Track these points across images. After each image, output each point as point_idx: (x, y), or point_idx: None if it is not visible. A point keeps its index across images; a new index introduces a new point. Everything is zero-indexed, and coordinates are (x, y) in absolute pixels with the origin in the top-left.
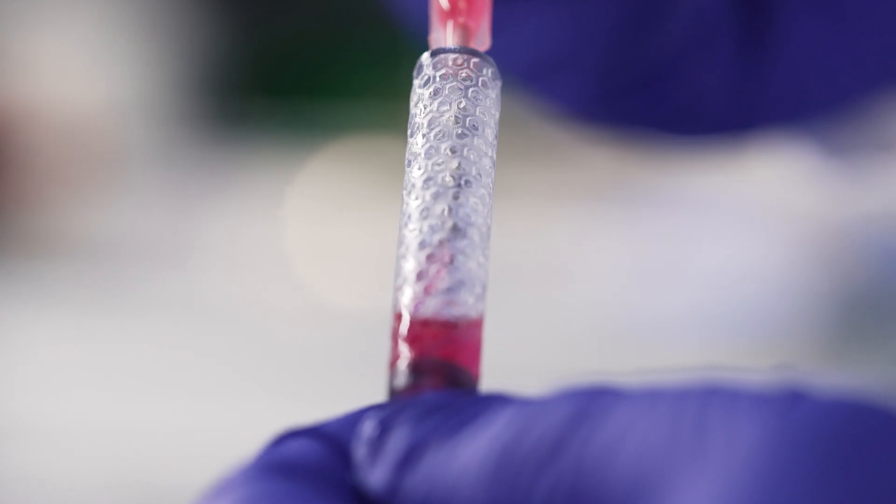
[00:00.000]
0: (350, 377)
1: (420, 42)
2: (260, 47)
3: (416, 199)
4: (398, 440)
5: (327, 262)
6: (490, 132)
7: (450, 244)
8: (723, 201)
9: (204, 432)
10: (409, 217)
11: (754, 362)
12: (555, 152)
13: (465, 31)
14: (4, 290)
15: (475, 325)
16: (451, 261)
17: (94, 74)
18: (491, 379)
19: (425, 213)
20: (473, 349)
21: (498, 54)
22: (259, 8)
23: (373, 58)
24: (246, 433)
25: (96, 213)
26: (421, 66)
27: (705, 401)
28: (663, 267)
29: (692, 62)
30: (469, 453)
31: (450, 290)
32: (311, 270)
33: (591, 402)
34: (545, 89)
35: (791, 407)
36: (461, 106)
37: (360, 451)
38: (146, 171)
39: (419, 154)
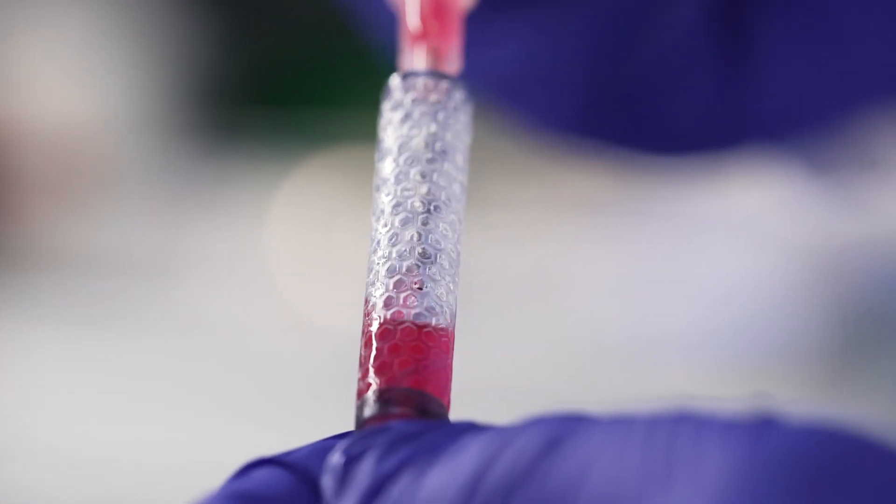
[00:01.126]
0: (336, 394)
1: (390, 64)
2: (248, 58)
3: (385, 225)
4: (366, 471)
5: (313, 276)
6: (460, 157)
7: (419, 270)
8: (718, 216)
9: (187, 449)
10: (378, 243)
11: (747, 380)
12: (546, 165)
13: (436, 54)
14: None
15: (445, 352)
16: (421, 287)
17: (82, 86)
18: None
19: (394, 239)
20: (443, 377)
21: (477, 72)
22: (246, 19)
23: (362, 68)
24: (232, 450)
25: (84, 227)
26: (390, 90)
27: (674, 429)
28: (657, 283)
29: (672, 81)
30: (437, 483)
31: (419, 316)
32: (296, 285)
33: (561, 430)
34: (524, 107)
35: (760, 435)
36: (431, 130)
37: (327, 481)
38: (134, 184)
39: (388, 179)
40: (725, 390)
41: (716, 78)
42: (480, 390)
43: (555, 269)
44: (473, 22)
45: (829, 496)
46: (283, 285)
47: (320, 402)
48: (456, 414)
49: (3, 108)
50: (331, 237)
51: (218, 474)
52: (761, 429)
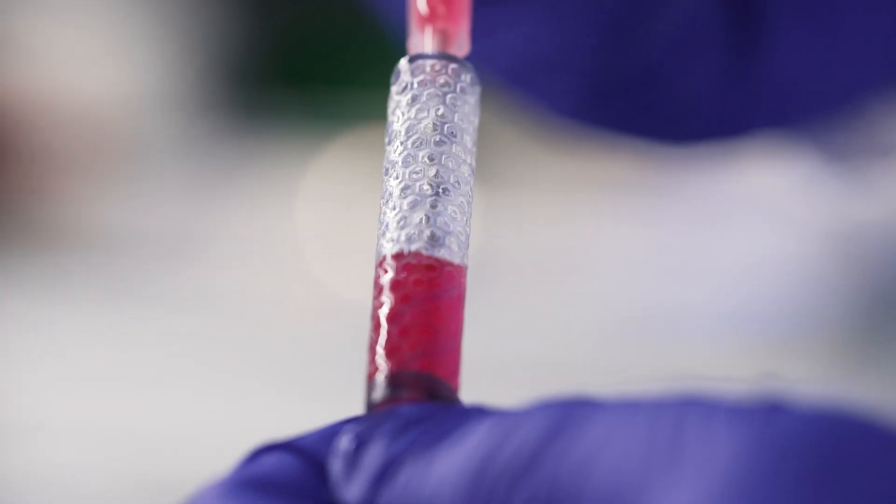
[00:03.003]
0: (364, 372)
1: (400, 46)
2: (278, 36)
3: (394, 208)
4: (374, 455)
5: (342, 254)
6: (469, 139)
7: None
8: (739, 194)
9: (214, 427)
10: (387, 227)
11: (766, 358)
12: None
13: (444, 37)
14: (19, 284)
15: (455, 335)
16: (430, 269)
17: (110, 64)
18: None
19: (402, 222)
20: (453, 360)
21: (485, 58)
22: None
23: (390, 46)
24: (259, 428)
25: (111, 205)
26: (398, 73)
27: (682, 413)
28: (677, 260)
29: (680, 66)
30: (445, 467)
31: (428, 299)
32: (325, 263)
33: (568, 414)
34: (532, 93)
35: (768, 419)
36: (439, 113)
37: (336, 465)
38: (162, 162)
39: (396, 162)
40: (744, 368)
41: (726, 62)
42: (501, 368)
43: (575, 247)
44: (480, 8)
45: (835, 481)
46: (311, 263)
47: (347, 381)
48: (478, 392)
49: (32, 86)
50: (359, 215)
51: (242, 450)
52: (769, 413)
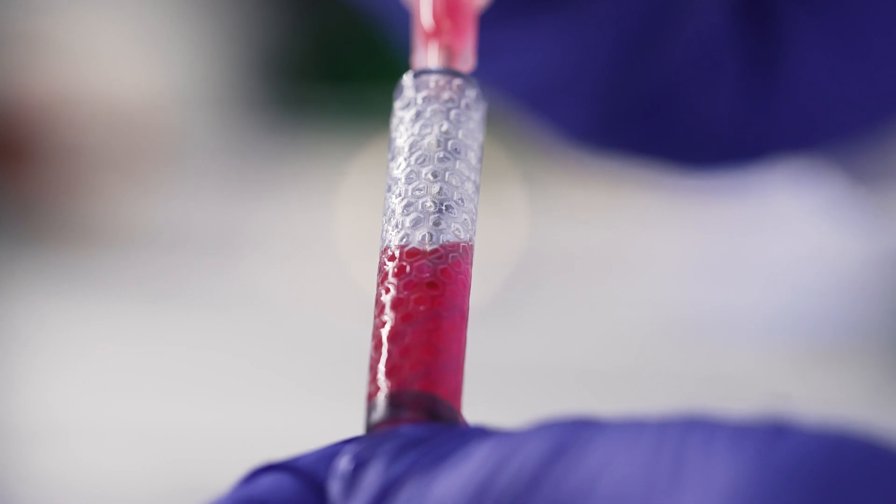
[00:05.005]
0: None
1: (403, 62)
2: (319, 33)
3: (396, 226)
4: (374, 476)
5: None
6: (473, 156)
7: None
8: (785, 197)
9: (251, 426)
10: (389, 244)
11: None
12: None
13: (449, 52)
14: (58, 284)
15: (457, 355)
16: (432, 286)
17: (149, 61)
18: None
19: (405, 240)
20: (454, 380)
21: (498, 81)
22: None
23: None
24: (297, 428)
25: (151, 204)
26: (402, 88)
27: (684, 435)
28: (723, 263)
29: (697, 88)
30: (445, 489)
31: (430, 318)
32: (363, 262)
33: (570, 435)
34: (545, 115)
35: (771, 441)
36: (443, 129)
37: (334, 487)
38: (201, 160)
39: (399, 179)
40: (786, 374)
41: (745, 84)
42: (544, 370)
43: (621, 248)
44: (489, 29)
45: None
46: (350, 263)
47: None
48: (523, 392)
49: (72, 84)
50: None
51: (282, 452)
52: (772, 435)
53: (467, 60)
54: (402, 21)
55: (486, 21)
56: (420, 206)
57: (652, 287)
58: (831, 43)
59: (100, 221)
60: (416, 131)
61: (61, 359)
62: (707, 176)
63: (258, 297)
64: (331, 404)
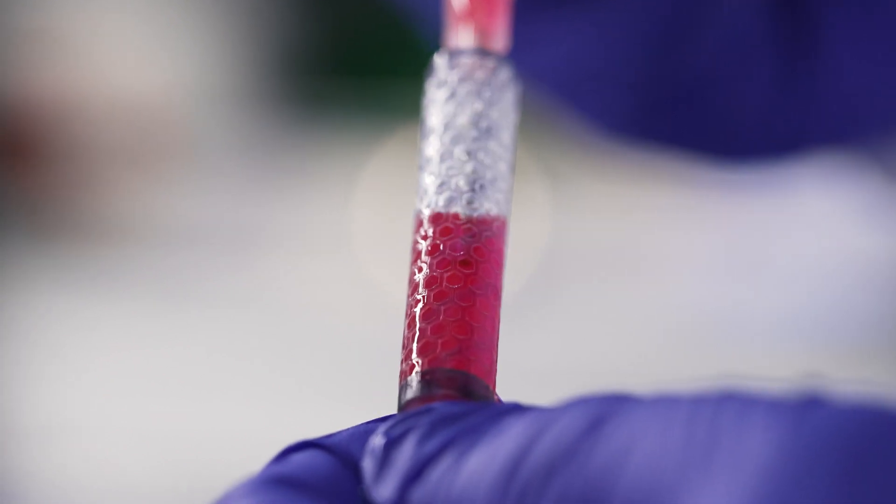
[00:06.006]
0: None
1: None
2: (335, 28)
3: (429, 205)
4: (406, 453)
5: (398, 250)
6: (507, 135)
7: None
8: (813, 195)
9: (267, 424)
10: (422, 223)
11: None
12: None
13: (481, 32)
14: (74, 280)
15: (490, 333)
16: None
17: (164, 58)
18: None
19: (439, 218)
20: (488, 358)
21: (531, 71)
22: None
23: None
24: (312, 426)
25: (166, 200)
26: (435, 68)
27: (718, 408)
28: (749, 261)
29: (731, 79)
30: (477, 465)
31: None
32: (381, 259)
33: (604, 410)
34: (577, 106)
35: (804, 414)
36: (476, 108)
37: (367, 464)
38: (217, 156)
39: (432, 158)
40: (815, 369)
41: (780, 75)
42: (568, 368)
43: (645, 246)
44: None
45: (871, 477)
46: (368, 259)
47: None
48: (546, 391)
49: (86, 80)
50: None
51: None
52: (806, 408)
53: (500, 40)
54: (432, 4)
55: (519, 12)
56: (453, 185)
57: (676, 285)
58: (867, 35)
59: (113, 219)
60: (450, 110)
61: (75, 357)
62: (739, 169)
63: (272, 297)
64: (344, 406)
